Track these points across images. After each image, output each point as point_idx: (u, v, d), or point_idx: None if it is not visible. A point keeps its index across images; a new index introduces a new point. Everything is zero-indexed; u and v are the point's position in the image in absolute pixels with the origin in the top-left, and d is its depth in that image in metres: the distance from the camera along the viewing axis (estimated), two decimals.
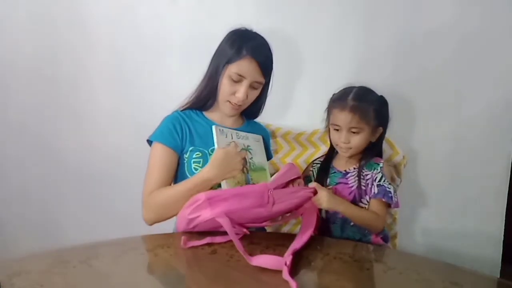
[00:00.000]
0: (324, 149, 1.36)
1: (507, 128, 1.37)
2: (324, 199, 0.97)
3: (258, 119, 1.27)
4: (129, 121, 1.58)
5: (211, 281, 0.73)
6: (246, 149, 1.07)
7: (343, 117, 1.05)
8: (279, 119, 1.42)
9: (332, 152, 1.19)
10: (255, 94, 1.10)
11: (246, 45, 1.03)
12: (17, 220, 1.73)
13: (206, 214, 0.85)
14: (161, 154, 1.05)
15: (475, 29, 1.34)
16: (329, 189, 1.11)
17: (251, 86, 1.06)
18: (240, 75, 1.03)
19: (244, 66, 1.02)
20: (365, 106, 1.05)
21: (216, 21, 1.39)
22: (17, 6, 1.56)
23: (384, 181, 1.05)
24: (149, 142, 1.10)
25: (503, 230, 1.42)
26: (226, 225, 0.82)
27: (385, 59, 1.40)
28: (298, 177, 1.06)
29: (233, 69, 1.03)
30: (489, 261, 1.42)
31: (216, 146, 1.00)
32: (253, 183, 1.02)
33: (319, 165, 1.20)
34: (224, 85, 1.06)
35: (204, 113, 1.15)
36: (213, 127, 1.02)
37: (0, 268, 0.72)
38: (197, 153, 1.06)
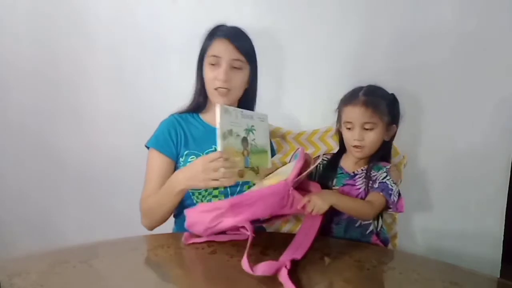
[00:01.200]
0: (324, 149, 1.36)
1: (507, 128, 1.37)
2: (319, 204, 0.88)
3: None
4: (129, 121, 1.58)
5: (211, 281, 0.73)
6: (250, 129, 1.00)
7: (355, 113, 1.03)
8: (279, 119, 1.42)
9: (341, 153, 1.16)
10: (240, 75, 1.07)
11: (217, 30, 1.08)
12: (17, 220, 1.73)
13: (228, 222, 0.82)
14: (157, 162, 1.06)
15: (476, 29, 1.34)
16: (334, 189, 1.10)
17: (232, 66, 1.05)
18: (215, 56, 1.04)
19: (217, 46, 1.05)
20: (377, 100, 1.03)
21: (216, 21, 1.39)
22: (17, 6, 1.56)
23: (388, 179, 1.03)
24: (147, 146, 1.10)
25: (503, 230, 1.42)
26: (250, 231, 0.79)
27: (385, 59, 1.40)
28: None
29: (209, 53, 1.05)
30: (489, 261, 1.42)
31: (218, 126, 0.91)
32: (253, 167, 0.96)
33: (325, 162, 1.16)
34: (206, 74, 1.07)
35: (200, 115, 1.15)
36: (217, 105, 0.93)
37: (0, 268, 0.72)
38: (192, 157, 1.06)
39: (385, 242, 1.12)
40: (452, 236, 1.46)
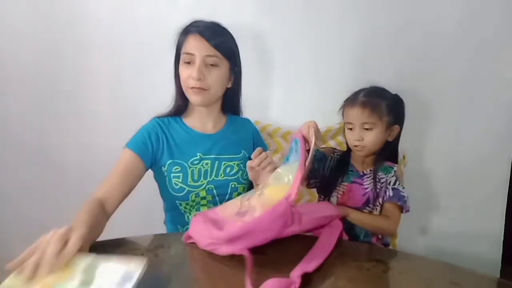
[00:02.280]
0: None
1: (507, 128, 1.37)
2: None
3: (258, 119, 1.26)
4: (129, 121, 1.57)
5: (211, 281, 0.73)
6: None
7: (354, 113, 1.05)
8: (279, 119, 1.42)
9: (349, 153, 1.16)
10: (216, 72, 1.02)
11: (190, 26, 1.04)
12: (17, 220, 1.73)
13: (224, 249, 0.75)
14: (125, 159, 1.00)
15: (476, 29, 1.34)
16: (343, 185, 1.11)
17: (208, 64, 1.00)
18: (188, 53, 1.00)
19: (190, 43, 1.01)
20: (376, 101, 1.05)
21: (216, 21, 1.39)
22: (17, 6, 1.56)
23: (398, 184, 1.04)
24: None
25: (503, 230, 1.42)
26: (249, 261, 0.69)
27: (385, 59, 1.40)
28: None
29: (183, 51, 1.02)
30: (489, 261, 1.42)
31: None
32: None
33: (337, 156, 1.17)
34: (181, 73, 1.03)
35: (183, 119, 1.11)
36: None
37: (0, 268, 0.72)
38: (176, 167, 1.01)
39: (386, 245, 1.12)
40: (452, 236, 1.46)
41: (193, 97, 1.03)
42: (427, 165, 1.44)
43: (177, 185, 1.00)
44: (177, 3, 1.48)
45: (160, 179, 1.05)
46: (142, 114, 1.53)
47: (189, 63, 1.01)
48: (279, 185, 0.79)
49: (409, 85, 1.37)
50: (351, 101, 1.08)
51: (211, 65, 1.01)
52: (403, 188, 1.04)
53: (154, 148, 1.02)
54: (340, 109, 1.13)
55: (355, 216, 0.99)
